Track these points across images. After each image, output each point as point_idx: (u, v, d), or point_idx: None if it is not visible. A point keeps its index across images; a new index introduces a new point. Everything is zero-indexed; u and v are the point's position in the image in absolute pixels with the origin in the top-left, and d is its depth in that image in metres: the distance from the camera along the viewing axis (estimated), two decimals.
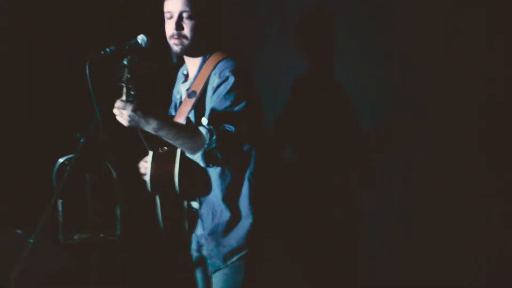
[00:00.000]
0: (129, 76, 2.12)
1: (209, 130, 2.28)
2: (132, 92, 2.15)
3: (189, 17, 2.41)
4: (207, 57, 2.50)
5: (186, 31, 2.42)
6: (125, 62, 2.12)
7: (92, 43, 2.39)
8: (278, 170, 2.71)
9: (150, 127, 2.22)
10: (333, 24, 3.00)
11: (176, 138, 2.27)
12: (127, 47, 2.29)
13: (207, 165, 2.33)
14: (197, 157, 2.30)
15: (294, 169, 3.19)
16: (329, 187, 3.06)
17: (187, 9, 2.41)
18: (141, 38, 2.35)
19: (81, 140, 2.26)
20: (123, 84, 2.14)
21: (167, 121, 2.31)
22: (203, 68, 2.47)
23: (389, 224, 2.84)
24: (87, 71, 2.15)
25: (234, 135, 2.30)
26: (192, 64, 2.56)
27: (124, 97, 2.16)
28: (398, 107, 2.76)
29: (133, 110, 2.15)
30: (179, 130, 2.29)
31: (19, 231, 2.83)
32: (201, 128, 2.30)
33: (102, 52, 2.21)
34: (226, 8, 3.36)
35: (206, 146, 2.27)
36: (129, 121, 2.18)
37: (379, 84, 2.83)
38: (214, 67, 2.44)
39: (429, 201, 2.65)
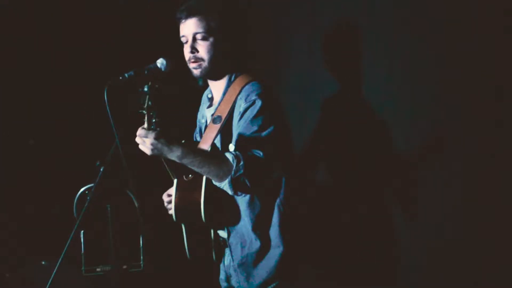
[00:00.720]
0: (150, 103, 2.08)
1: (235, 156, 2.19)
2: (153, 120, 2.10)
3: (203, 38, 2.35)
4: (232, 79, 2.41)
5: (202, 52, 2.36)
6: (145, 89, 2.07)
7: (111, 67, 2.36)
8: (309, 195, 2.62)
9: (174, 155, 2.16)
10: (360, 38, 2.95)
11: (201, 165, 2.20)
12: (146, 72, 2.24)
13: (235, 192, 2.23)
14: (224, 185, 2.21)
15: (327, 191, 3.12)
16: (364, 211, 2.97)
17: (200, 30, 2.34)
18: (160, 62, 2.31)
19: (101, 169, 2.21)
20: (145, 112, 2.09)
21: (192, 148, 2.23)
22: (228, 92, 2.39)
23: (427, 252, 2.74)
24: (106, 98, 2.11)
25: (263, 161, 2.20)
26: (216, 87, 2.48)
27: (146, 125, 2.11)
28: (433, 119, 2.69)
29: (156, 138, 2.11)
30: (204, 157, 2.22)
31: (44, 262, 2.80)
32: (227, 154, 2.22)
33: (121, 77, 2.17)
34: (254, 26, 3.34)
35: (233, 173, 2.18)
36: (152, 150, 2.13)
37: (411, 97, 2.77)
38: (240, 91, 2.35)
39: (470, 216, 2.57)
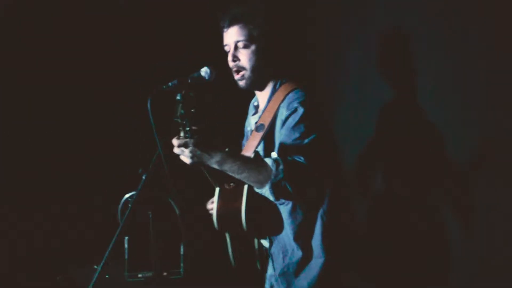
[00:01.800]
0: (182, 112, 2.06)
1: (275, 161, 2.16)
2: (187, 128, 2.08)
3: (245, 46, 2.34)
4: (277, 87, 2.40)
5: (243, 61, 2.35)
6: (178, 98, 2.07)
7: (158, 76, 2.38)
8: (350, 206, 2.59)
9: (213, 160, 2.14)
10: (411, 45, 2.90)
11: (241, 171, 2.17)
12: (189, 80, 2.23)
13: (277, 198, 2.20)
14: (266, 191, 2.17)
15: (381, 201, 3.07)
16: (413, 219, 2.90)
17: (241, 38, 2.33)
18: (204, 71, 2.29)
19: (143, 176, 2.24)
20: (179, 120, 2.08)
21: (231, 153, 2.21)
22: (272, 100, 2.37)
23: (481, 261, 2.64)
24: (149, 106, 2.12)
25: (304, 166, 2.16)
26: (261, 96, 2.47)
27: (182, 134, 2.10)
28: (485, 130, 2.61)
29: (194, 145, 2.09)
30: (243, 162, 2.19)
31: (59, 278, 2.82)
32: (267, 160, 2.19)
33: (164, 86, 2.17)
34: (312, 36, 3.33)
35: (272, 177, 2.14)
36: (192, 157, 2.12)
37: (462, 101, 2.70)
38: (283, 99, 2.33)
39: None
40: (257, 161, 2.23)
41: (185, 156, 2.13)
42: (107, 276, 2.71)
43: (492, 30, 2.56)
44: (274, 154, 2.27)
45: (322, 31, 3.43)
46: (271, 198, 2.19)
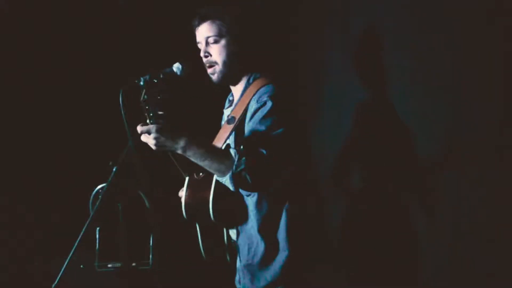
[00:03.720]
0: (145, 97, 2.10)
1: (237, 151, 2.22)
2: (151, 114, 2.12)
3: (215, 41, 2.38)
4: (250, 82, 2.44)
5: (214, 55, 2.39)
6: (141, 83, 2.11)
7: (130, 68, 2.40)
8: (319, 200, 2.63)
9: (178, 146, 2.19)
10: (385, 47, 3.00)
11: (203, 158, 2.23)
12: (161, 76, 2.27)
13: (236, 188, 2.25)
14: (226, 180, 2.24)
15: (356, 199, 3.15)
16: (385, 219, 3.00)
17: (210, 33, 2.38)
18: (176, 67, 2.33)
19: (114, 169, 2.26)
20: (142, 105, 2.12)
21: (195, 139, 2.25)
22: (244, 94, 2.42)
23: (444, 255, 2.76)
24: (120, 100, 2.15)
25: (265, 158, 2.19)
26: (236, 90, 2.52)
27: (147, 120, 2.13)
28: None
29: (157, 131, 2.14)
30: (207, 150, 2.24)
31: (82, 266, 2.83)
32: (230, 150, 2.25)
33: (136, 80, 2.21)
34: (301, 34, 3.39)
35: (234, 167, 2.19)
36: (156, 144, 2.16)
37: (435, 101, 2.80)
38: (255, 93, 2.38)
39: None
40: (220, 151, 2.29)
41: (150, 143, 2.17)
42: (82, 266, 2.72)
43: (463, 29, 2.63)
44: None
45: (304, 30, 3.47)
46: (231, 187, 2.25)
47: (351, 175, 3.24)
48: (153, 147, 2.19)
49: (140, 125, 2.17)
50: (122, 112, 2.15)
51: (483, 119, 2.59)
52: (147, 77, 2.22)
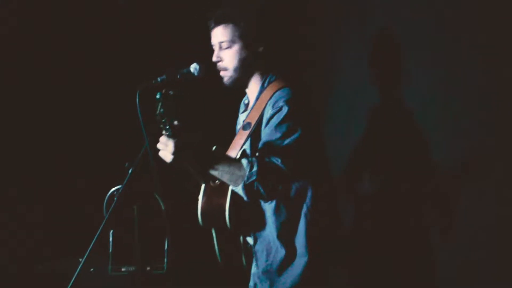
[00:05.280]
0: (162, 110, 2.06)
1: (249, 162, 2.17)
2: (168, 127, 2.09)
3: (227, 46, 2.36)
4: (265, 85, 2.41)
5: (226, 61, 2.37)
6: (157, 96, 2.07)
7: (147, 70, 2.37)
8: (335, 205, 2.59)
9: (190, 156, 2.17)
10: (401, 50, 2.97)
11: (215, 169, 2.20)
12: (179, 76, 2.25)
13: (249, 199, 2.21)
14: (239, 190, 2.20)
15: (367, 202, 3.12)
16: (399, 224, 2.96)
17: (224, 38, 2.36)
18: (194, 67, 2.31)
19: (130, 171, 2.23)
20: (158, 119, 2.09)
21: (208, 150, 2.24)
22: (260, 98, 2.39)
23: (463, 265, 2.70)
24: (137, 101, 2.12)
25: (279, 169, 2.17)
26: (251, 94, 2.49)
27: (164, 132, 2.11)
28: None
29: (175, 146, 2.11)
30: (218, 160, 2.21)
31: (92, 270, 2.82)
32: (242, 160, 2.20)
33: (153, 81, 2.18)
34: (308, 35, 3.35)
35: (246, 178, 2.16)
36: (173, 160, 2.14)
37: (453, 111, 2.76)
38: (271, 97, 2.34)
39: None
40: (233, 161, 2.25)
41: (167, 158, 2.14)
42: (92, 270, 2.70)
43: (484, 31, 2.59)
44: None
45: (317, 32, 3.45)
46: (244, 198, 2.21)
47: (363, 179, 3.20)
48: (168, 160, 2.16)
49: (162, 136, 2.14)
50: (139, 113, 2.12)
51: (505, 122, 2.54)
52: (164, 77, 2.20)
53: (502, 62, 2.55)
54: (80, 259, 2.22)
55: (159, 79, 2.19)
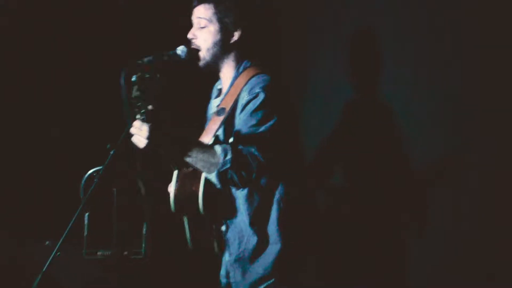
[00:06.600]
0: (137, 93, 2.04)
1: (223, 149, 2.17)
2: (143, 111, 2.07)
3: (205, 26, 2.35)
4: (240, 71, 2.39)
5: (200, 40, 2.36)
6: (133, 79, 2.05)
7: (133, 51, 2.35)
8: (310, 192, 2.58)
9: (164, 141, 2.15)
10: (379, 46, 2.98)
11: (189, 155, 2.18)
12: (165, 58, 2.24)
13: (222, 186, 2.20)
14: (212, 177, 2.18)
15: (338, 195, 3.12)
16: (370, 211, 2.98)
17: (202, 16, 2.35)
18: (181, 49, 2.30)
19: (111, 152, 2.18)
20: (133, 102, 2.07)
21: (182, 136, 2.21)
22: (234, 84, 2.37)
23: (431, 254, 2.76)
24: (122, 81, 2.09)
25: (253, 157, 2.17)
26: (225, 79, 2.47)
27: (137, 116, 2.09)
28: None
29: (149, 130, 2.08)
30: (192, 146, 2.19)
31: (48, 243, 2.78)
32: (216, 147, 2.19)
33: (139, 61, 2.15)
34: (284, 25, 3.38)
35: (219, 166, 2.15)
36: (147, 144, 2.11)
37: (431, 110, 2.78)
38: (246, 83, 2.33)
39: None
40: (207, 148, 2.23)
41: (140, 143, 2.12)
42: (58, 254, 2.66)
43: (463, 29, 2.61)
44: (232, 140, 2.27)
45: (294, 25, 3.47)
46: (217, 185, 2.20)
47: (333, 174, 3.22)
48: (141, 145, 2.13)
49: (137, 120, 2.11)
50: (124, 93, 2.09)
51: (486, 121, 2.57)
52: (151, 57, 2.18)
53: (486, 60, 2.58)
54: (47, 242, 2.18)
55: (145, 60, 2.16)
